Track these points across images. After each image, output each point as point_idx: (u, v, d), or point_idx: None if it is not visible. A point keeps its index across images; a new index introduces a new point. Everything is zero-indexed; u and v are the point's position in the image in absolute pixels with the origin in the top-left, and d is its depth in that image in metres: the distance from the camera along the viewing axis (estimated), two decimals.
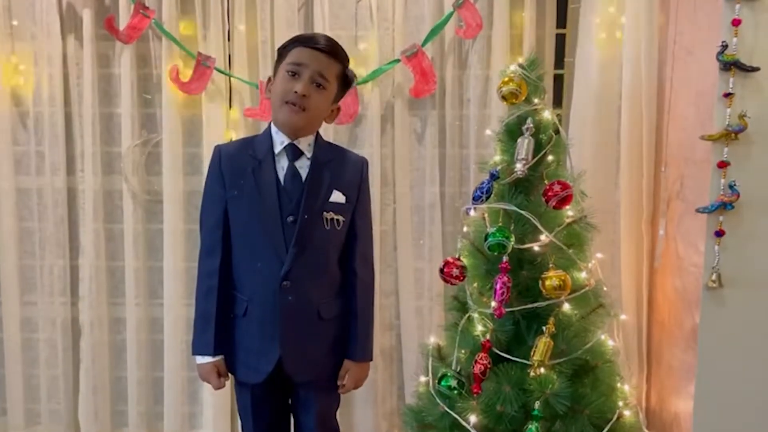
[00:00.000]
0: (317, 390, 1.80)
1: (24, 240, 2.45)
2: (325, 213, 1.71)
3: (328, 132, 2.31)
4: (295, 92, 1.64)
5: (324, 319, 1.75)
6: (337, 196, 1.73)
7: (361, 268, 1.81)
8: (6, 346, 2.47)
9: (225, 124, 2.37)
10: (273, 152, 1.71)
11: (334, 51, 1.69)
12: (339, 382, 1.82)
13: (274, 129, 1.74)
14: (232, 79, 2.35)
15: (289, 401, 1.87)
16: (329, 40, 1.71)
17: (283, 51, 1.71)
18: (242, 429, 1.89)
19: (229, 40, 2.36)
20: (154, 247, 2.45)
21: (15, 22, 2.36)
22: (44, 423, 2.51)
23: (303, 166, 1.72)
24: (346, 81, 1.75)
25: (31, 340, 2.49)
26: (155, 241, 2.45)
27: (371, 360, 1.86)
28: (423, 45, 2.28)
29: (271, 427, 1.85)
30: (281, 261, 1.68)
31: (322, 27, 2.29)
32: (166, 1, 2.29)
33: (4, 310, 2.46)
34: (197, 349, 1.77)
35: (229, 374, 1.82)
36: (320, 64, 1.66)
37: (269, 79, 1.76)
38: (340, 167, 1.76)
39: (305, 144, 1.73)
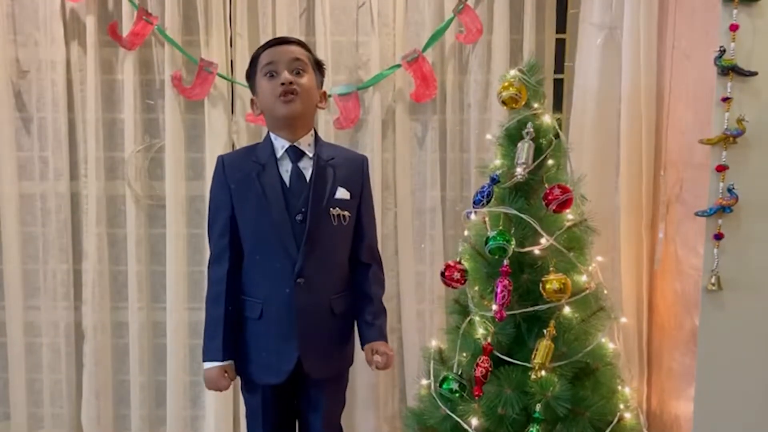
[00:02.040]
0: (327, 390, 1.83)
1: (27, 245, 2.46)
2: (331, 209, 1.75)
3: (330, 138, 2.33)
4: (282, 84, 1.70)
5: (336, 315, 1.79)
6: (341, 193, 1.77)
7: (370, 261, 1.86)
8: (9, 351, 2.48)
9: (227, 130, 2.38)
10: (275, 156, 1.75)
11: (295, 41, 1.79)
12: (372, 358, 1.78)
13: (272, 135, 1.78)
14: (234, 84, 2.37)
15: (294, 402, 1.89)
16: (290, 37, 1.82)
17: (251, 65, 1.79)
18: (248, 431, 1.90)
19: (231, 45, 2.37)
20: (157, 252, 2.46)
21: (18, 29, 2.37)
22: (47, 427, 2.51)
23: (306, 166, 1.76)
24: (319, 65, 1.81)
25: (34, 345, 2.49)
26: (158, 246, 2.46)
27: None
28: (424, 50, 2.30)
29: (278, 429, 1.86)
30: (293, 259, 1.71)
31: (323, 33, 2.31)
32: (169, 7, 2.31)
33: (7, 315, 2.47)
34: (207, 355, 1.78)
35: (238, 377, 1.83)
36: (290, 53, 1.73)
37: (252, 100, 1.82)
38: (342, 165, 1.80)
39: (305, 144, 1.76)
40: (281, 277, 1.72)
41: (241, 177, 1.76)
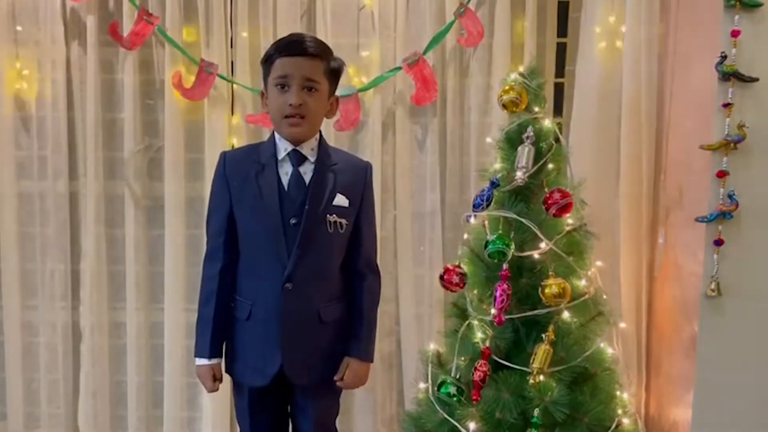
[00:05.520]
0: (315, 396, 1.81)
1: (25, 244, 2.45)
2: (328, 216, 1.72)
3: (329, 139, 2.32)
4: (290, 105, 1.66)
5: (324, 322, 1.76)
6: (340, 200, 1.74)
7: (366, 272, 1.83)
8: (6, 350, 2.47)
9: (227, 131, 2.38)
10: (276, 157, 1.74)
11: (315, 52, 1.69)
12: (337, 378, 1.79)
13: (277, 136, 1.76)
14: (234, 85, 2.37)
15: (288, 407, 1.88)
16: (308, 41, 1.71)
17: (266, 64, 1.73)
18: None
19: (231, 46, 2.37)
20: (155, 252, 2.46)
21: (19, 28, 2.37)
22: (44, 427, 2.51)
23: (307, 171, 1.74)
24: (335, 72, 1.76)
25: (31, 344, 2.49)
26: (156, 246, 2.45)
27: (371, 361, 1.85)
28: (424, 53, 2.30)
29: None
30: (283, 264, 1.70)
31: (324, 34, 2.30)
32: (170, 7, 2.31)
33: (5, 314, 2.46)
34: (196, 350, 1.79)
35: (229, 377, 1.83)
36: (306, 70, 1.67)
37: (262, 93, 1.78)
38: (343, 171, 1.77)
39: (308, 149, 1.74)
40: (271, 280, 1.71)
41: (240, 176, 1.75)
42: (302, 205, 1.70)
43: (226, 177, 1.76)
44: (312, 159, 1.74)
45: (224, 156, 1.80)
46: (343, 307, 1.82)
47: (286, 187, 1.72)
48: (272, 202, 1.70)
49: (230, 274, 1.77)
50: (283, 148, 1.74)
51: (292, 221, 1.70)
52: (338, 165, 1.77)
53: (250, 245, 1.75)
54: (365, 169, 1.83)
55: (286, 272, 1.69)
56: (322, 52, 1.72)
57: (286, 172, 1.73)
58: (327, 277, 1.77)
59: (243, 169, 1.75)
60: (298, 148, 1.73)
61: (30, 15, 2.36)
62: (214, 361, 1.78)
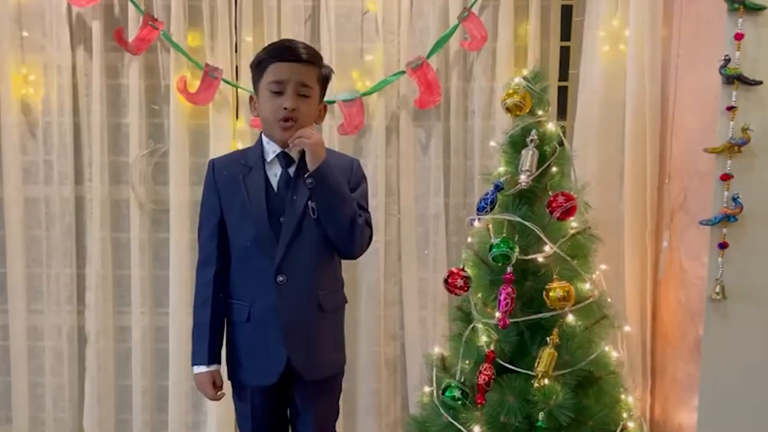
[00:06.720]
0: (314, 398, 1.81)
1: (31, 248, 2.47)
2: (310, 202, 1.72)
3: (333, 144, 2.33)
4: (285, 108, 1.68)
5: (325, 311, 1.77)
6: None
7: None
8: (12, 354, 2.48)
9: (232, 135, 2.39)
10: (264, 159, 1.76)
11: (309, 58, 1.72)
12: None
13: (265, 139, 1.78)
14: (239, 90, 2.38)
15: (288, 412, 1.88)
16: (302, 48, 1.73)
17: (258, 68, 1.74)
18: None
19: (236, 51, 2.38)
20: (160, 256, 2.47)
21: (25, 33, 2.39)
22: (49, 431, 2.51)
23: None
24: (326, 79, 1.78)
25: (36, 348, 2.50)
26: (161, 250, 2.46)
27: (319, 177, 1.68)
28: (428, 57, 2.30)
29: None
30: (276, 260, 1.71)
31: (328, 39, 2.32)
32: (175, 12, 2.32)
33: (10, 318, 2.47)
34: (193, 358, 1.80)
35: (229, 382, 1.84)
36: (300, 75, 1.70)
37: (251, 98, 1.80)
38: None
39: (295, 151, 1.76)
40: (266, 279, 1.72)
41: (228, 181, 1.77)
42: (290, 202, 1.72)
43: (216, 183, 1.78)
44: (298, 160, 1.75)
45: (213, 163, 1.83)
46: (340, 297, 1.85)
47: (275, 188, 1.74)
48: (259, 203, 1.72)
49: (224, 279, 1.79)
50: (272, 150, 1.76)
51: (282, 219, 1.72)
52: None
53: (242, 248, 1.77)
54: (351, 163, 1.84)
55: (275, 265, 1.71)
56: (316, 58, 1.75)
57: (275, 173, 1.75)
58: (321, 267, 1.77)
59: (231, 174, 1.77)
60: (286, 150, 1.75)
61: (36, 20, 2.38)
62: (212, 367, 1.79)
